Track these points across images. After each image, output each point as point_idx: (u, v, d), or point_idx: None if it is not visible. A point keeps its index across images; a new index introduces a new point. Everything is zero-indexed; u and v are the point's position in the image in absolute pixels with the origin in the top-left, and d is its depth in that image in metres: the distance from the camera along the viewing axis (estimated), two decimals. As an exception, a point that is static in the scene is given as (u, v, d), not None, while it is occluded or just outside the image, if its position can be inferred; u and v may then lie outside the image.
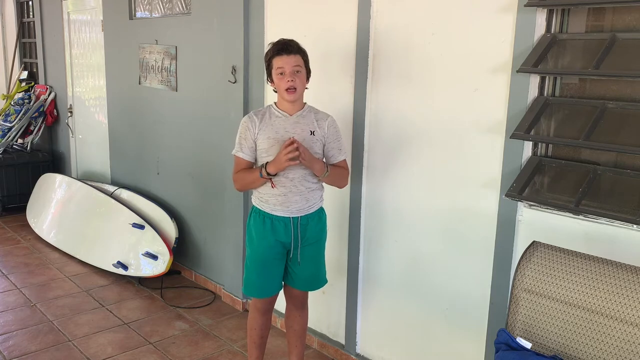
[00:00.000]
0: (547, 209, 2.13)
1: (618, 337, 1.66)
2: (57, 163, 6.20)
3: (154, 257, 3.98)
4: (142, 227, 4.13)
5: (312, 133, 2.49)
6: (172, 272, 4.12)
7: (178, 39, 4.10)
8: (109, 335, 3.40)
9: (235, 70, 3.52)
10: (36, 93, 6.21)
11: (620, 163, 2.04)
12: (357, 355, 3.07)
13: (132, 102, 4.75)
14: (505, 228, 2.29)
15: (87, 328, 3.47)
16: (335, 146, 2.57)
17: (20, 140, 6.10)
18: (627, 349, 1.64)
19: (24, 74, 6.66)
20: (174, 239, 4.07)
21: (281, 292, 2.69)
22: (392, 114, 2.72)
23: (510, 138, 2.17)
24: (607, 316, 1.69)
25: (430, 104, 2.54)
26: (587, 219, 2.02)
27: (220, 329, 3.52)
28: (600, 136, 1.98)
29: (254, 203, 2.58)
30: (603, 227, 1.99)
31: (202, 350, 3.27)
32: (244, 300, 3.75)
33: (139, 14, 4.62)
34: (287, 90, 2.41)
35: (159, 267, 3.96)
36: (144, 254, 4.03)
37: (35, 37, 6.41)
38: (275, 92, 2.50)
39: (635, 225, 1.90)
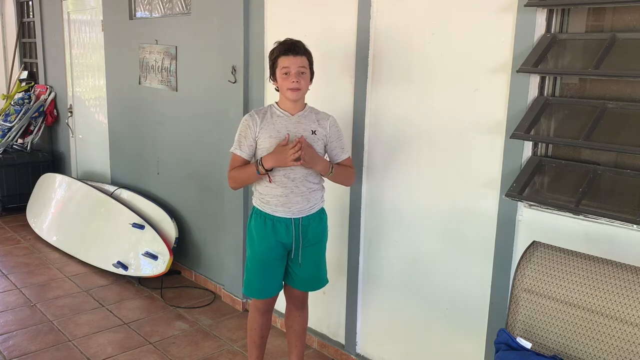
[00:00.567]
0: (547, 209, 2.13)
1: (618, 337, 1.66)
2: (57, 163, 6.20)
3: (154, 257, 3.98)
4: (142, 227, 4.13)
5: (314, 132, 2.49)
6: (172, 272, 4.12)
7: (178, 39, 4.10)
8: (109, 335, 3.40)
9: (235, 70, 3.52)
10: (36, 93, 6.20)
11: (620, 163, 2.04)
12: (357, 355, 3.07)
13: (132, 102, 4.75)
14: (505, 228, 2.29)
15: (87, 328, 3.47)
16: (338, 145, 2.56)
17: (20, 140, 6.10)
18: (627, 349, 1.64)
19: (24, 74, 6.65)
20: (174, 239, 4.07)
21: (281, 292, 2.69)
22: (392, 114, 2.72)
23: (510, 138, 2.17)
24: (607, 316, 1.69)
25: (430, 104, 2.54)
26: (587, 219, 2.02)
27: (220, 329, 3.52)
28: (600, 136, 1.98)
29: (254, 204, 2.57)
30: (603, 227, 1.99)
31: (202, 350, 3.27)
32: (244, 300, 3.75)
33: (139, 14, 4.62)
34: (290, 88, 2.40)
35: (159, 267, 3.96)
36: (144, 254, 4.03)
37: (35, 37, 6.41)
38: (277, 90, 2.50)
39: (635, 225, 1.90)
